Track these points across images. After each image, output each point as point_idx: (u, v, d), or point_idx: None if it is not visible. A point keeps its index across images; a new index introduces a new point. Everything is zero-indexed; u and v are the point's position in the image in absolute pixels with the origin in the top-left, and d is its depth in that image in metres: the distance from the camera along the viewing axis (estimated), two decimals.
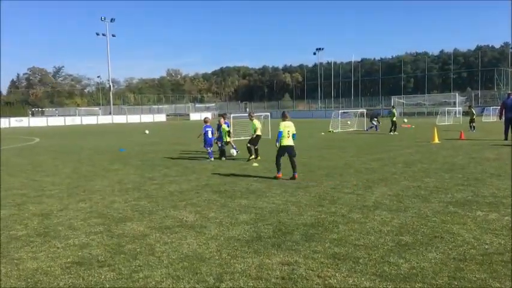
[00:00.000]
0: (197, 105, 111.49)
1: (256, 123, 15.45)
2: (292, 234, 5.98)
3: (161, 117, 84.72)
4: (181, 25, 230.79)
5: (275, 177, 10.77)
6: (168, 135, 32.82)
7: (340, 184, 9.72)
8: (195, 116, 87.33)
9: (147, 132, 35.53)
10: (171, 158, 15.93)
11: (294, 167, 10.71)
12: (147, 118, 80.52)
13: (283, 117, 10.99)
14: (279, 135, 10.68)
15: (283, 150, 10.76)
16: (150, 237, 6.06)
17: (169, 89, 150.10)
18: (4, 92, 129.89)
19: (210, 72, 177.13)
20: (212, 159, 15.47)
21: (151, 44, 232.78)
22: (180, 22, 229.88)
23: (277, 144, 10.79)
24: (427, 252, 5.10)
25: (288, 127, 10.72)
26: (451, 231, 5.91)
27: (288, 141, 10.72)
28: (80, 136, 33.81)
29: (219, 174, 11.78)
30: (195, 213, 7.37)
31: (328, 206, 7.62)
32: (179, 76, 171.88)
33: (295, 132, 10.92)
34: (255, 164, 13.30)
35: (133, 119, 78.25)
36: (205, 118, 17.28)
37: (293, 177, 10.60)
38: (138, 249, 5.53)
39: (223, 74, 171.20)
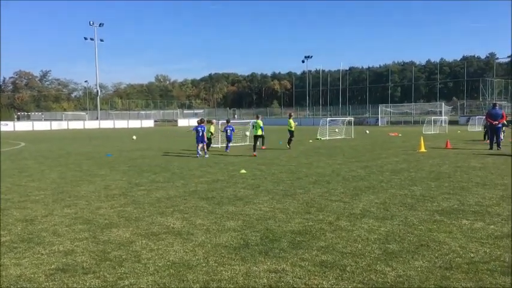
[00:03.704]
0: (185, 111, 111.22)
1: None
2: (279, 241, 5.97)
3: (149, 123, 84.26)
4: (171, 31, 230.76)
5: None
6: (156, 141, 32.63)
7: (328, 192, 9.74)
8: (183, 122, 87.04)
9: (134, 137, 35.31)
10: (159, 164, 15.83)
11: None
12: (134, 124, 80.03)
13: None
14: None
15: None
16: (136, 244, 6.00)
17: (158, 95, 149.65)
18: None
19: (198, 78, 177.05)
20: (199, 156, 17.80)
21: (140, 49, 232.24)
22: (169, 28, 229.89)
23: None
24: (413, 261, 5.12)
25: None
26: (437, 239, 5.95)
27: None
28: (66, 141, 33.47)
29: (206, 180, 11.73)
30: (182, 219, 7.31)
31: (315, 213, 7.63)
32: (168, 82, 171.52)
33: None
34: (243, 171, 13.28)
35: (121, 124, 77.72)
36: (201, 119, 19.99)
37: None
38: (123, 256, 5.46)
39: (212, 80, 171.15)
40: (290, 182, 11.29)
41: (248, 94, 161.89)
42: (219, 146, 20.52)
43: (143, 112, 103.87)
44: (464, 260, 5.12)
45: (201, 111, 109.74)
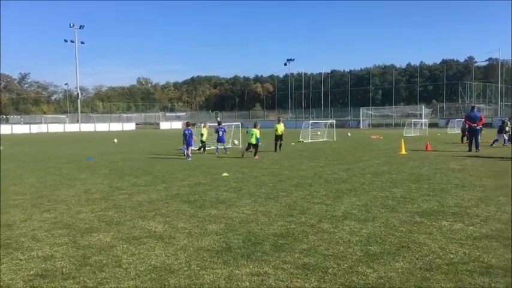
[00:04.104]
0: (167, 114, 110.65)
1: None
2: (262, 244, 5.97)
3: (130, 126, 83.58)
4: (153, 34, 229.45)
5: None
6: (138, 144, 32.37)
7: (310, 194, 9.78)
8: (165, 125, 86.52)
9: (115, 141, 34.96)
10: (140, 167, 15.70)
11: None
12: (116, 127, 79.28)
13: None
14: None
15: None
16: (117, 248, 5.92)
17: (140, 98, 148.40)
18: None
19: (181, 81, 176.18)
20: (189, 159, 18.22)
21: (121, 52, 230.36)
22: (151, 30, 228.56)
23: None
24: (394, 262, 5.17)
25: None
26: (418, 241, 6.02)
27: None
28: (46, 144, 32.95)
29: (189, 184, 11.66)
30: (164, 223, 7.26)
31: (298, 216, 7.64)
32: (149, 85, 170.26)
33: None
34: (225, 174, 13.25)
35: (102, 127, 76.90)
36: (188, 122, 20.79)
37: None
38: (104, 261, 5.39)
39: (194, 83, 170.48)
40: (272, 184, 11.30)
41: (231, 97, 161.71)
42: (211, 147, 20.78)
43: (125, 115, 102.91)
44: (444, 261, 5.19)
45: (184, 114, 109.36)
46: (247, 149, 19.42)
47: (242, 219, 7.48)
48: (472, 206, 8.26)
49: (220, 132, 21.43)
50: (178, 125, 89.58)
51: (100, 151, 24.44)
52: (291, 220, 7.34)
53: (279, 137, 22.25)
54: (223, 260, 5.34)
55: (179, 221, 7.38)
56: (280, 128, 22.44)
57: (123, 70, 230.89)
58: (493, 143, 24.25)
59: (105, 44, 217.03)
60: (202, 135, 21.25)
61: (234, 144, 25.15)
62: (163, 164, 17.03)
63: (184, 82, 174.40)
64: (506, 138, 24.60)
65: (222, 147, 21.75)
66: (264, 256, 5.46)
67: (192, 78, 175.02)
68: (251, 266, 5.11)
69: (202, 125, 22.55)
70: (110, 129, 75.98)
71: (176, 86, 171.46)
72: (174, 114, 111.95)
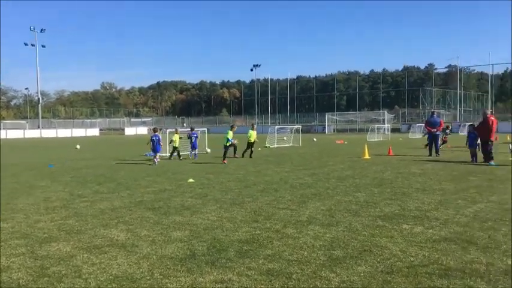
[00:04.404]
0: (133, 119, 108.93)
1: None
2: (226, 251, 5.93)
3: (94, 132, 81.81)
4: (117, 37, 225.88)
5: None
6: (101, 150, 31.70)
7: (276, 199, 9.81)
8: (130, 131, 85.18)
9: (78, 147, 34.13)
10: (104, 174, 15.37)
11: None
12: (78, 132, 77.46)
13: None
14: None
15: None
16: (77, 258, 5.76)
17: (104, 103, 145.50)
18: None
19: (146, 86, 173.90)
20: (156, 164, 18.51)
21: (85, 56, 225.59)
22: (116, 34, 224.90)
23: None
24: (356, 266, 5.24)
25: None
26: (380, 244, 6.13)
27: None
28: (4, 150, 31.78)
29: (153, 190, 11.50)
30: (126, 231, 7.11)
31: (263, 221, 7.65)
32: (114, 89, 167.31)
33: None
34: (191, 180, 13.14)
35: (64, 133, 74.96)
36: (155, 128, 21.18)
37: None
38: (63, 272, 5.23)
39: (160, 88, 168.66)
40: (238, 190, 11.28)
41: (197, 102, 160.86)
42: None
43: (88, 120, 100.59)
44: (404, 264, 5.30)
45: (149, 119, 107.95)
46: (234, 152, 21.04)
47: (207, 225, 7.43)
48: (432, 209, 8.48)
49: (193, 138, 21.60)
50: (143, 130, 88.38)
51: (62, 158, 23.78)
52: (256, 226, 7.33)
53: (251, 144, 22.00)
54: (187, 268, 5.27)
55: (142, 229, 7.25)
56: (254, 134, 22.30)
57: (87, 75, 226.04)
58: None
59: (67, 48, 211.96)
60: (173, 141, 21.11)
61: (206, 152, 24.97)
62: (128, 170, 16.73)
63: (150, 87, 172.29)
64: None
65: (194, 152, 21.71)
66: (229, 263, 5.44)
67: (158, 83, 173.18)
68: (215, 273, 5.07)
69: (174, 131, 22.38)
70: (73, 135, 74.14)
71: (141, 91, 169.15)
72: (140, 119, 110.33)
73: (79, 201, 10.07)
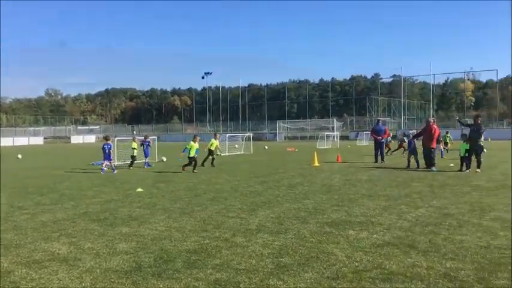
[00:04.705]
0: (80, 127, 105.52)
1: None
2: (174, 261, 5.83)
3: (38, 140, 78.54)
4: (66, 41, 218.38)
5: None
6: (45, 159, 30.43)
7: (226, 208, 9.78)
8: (77, 139, 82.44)
9: (19, 156, 32.58)
10: (47, 185, 14.75)
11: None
12: (21, 141, 74.06)
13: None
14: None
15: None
16: (15, 273, 5.48)
17: (48, 110, 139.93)
18: None
19: (94, 93, 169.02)
20: (103, 172, 18.39)
21: (28, 61, 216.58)
22: (60, 39, 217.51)
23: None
24: (303, 273, 5.30)
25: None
26: (326, 250, 6.24)
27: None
28: None
29: (99, 201, 11.15)
30: (69, 244, 6.84)
31: (212, 230, 7.60)
32: (59, 96, 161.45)
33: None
34: (140, 190, 12.86)
35: (5, 142, 71.35)
36: (106, 136, 20.98)
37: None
38: None
39: (108, 95, 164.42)
40: (188, 199, 11.16)
41: (147, 110, 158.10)
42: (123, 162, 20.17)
43: (31, 128, 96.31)
44: (349, 269, 5.42)
45: (97, 127, 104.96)
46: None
47: (155, 236, 7.28)
48: (377, 214, 8.74)
49: (145, 146, 21.35)
50: (91, 138, 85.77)
51: (1, 168, 22.61)
52: (205, 235, 7.27)
53: (211, 151, 21.58)
54: (132, 281, 5.14)
55: (86, 241, 7.00)
56: (215, 143, 22.07)
57: (30, 81, 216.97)
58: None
59: (9, 53, 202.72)
60: (134, 149, 20.79)
61: (162, 160, 24.53)
62: (73, 180, 16.14)
63: (98, 94, 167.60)
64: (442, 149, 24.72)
65: (145, 161, 21.40)
66: (176, 274, 5.35)
67: (107, 90, 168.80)
68: (161, 285, 4.97)
69: (132, 139, 21.95)
70: (15, 144, 70.77)
71: (89, 98, 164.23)
72: (87, 127, 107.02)
73: (19, 213, 9.59)
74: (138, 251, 6.37)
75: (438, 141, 19.88)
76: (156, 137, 28.73)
